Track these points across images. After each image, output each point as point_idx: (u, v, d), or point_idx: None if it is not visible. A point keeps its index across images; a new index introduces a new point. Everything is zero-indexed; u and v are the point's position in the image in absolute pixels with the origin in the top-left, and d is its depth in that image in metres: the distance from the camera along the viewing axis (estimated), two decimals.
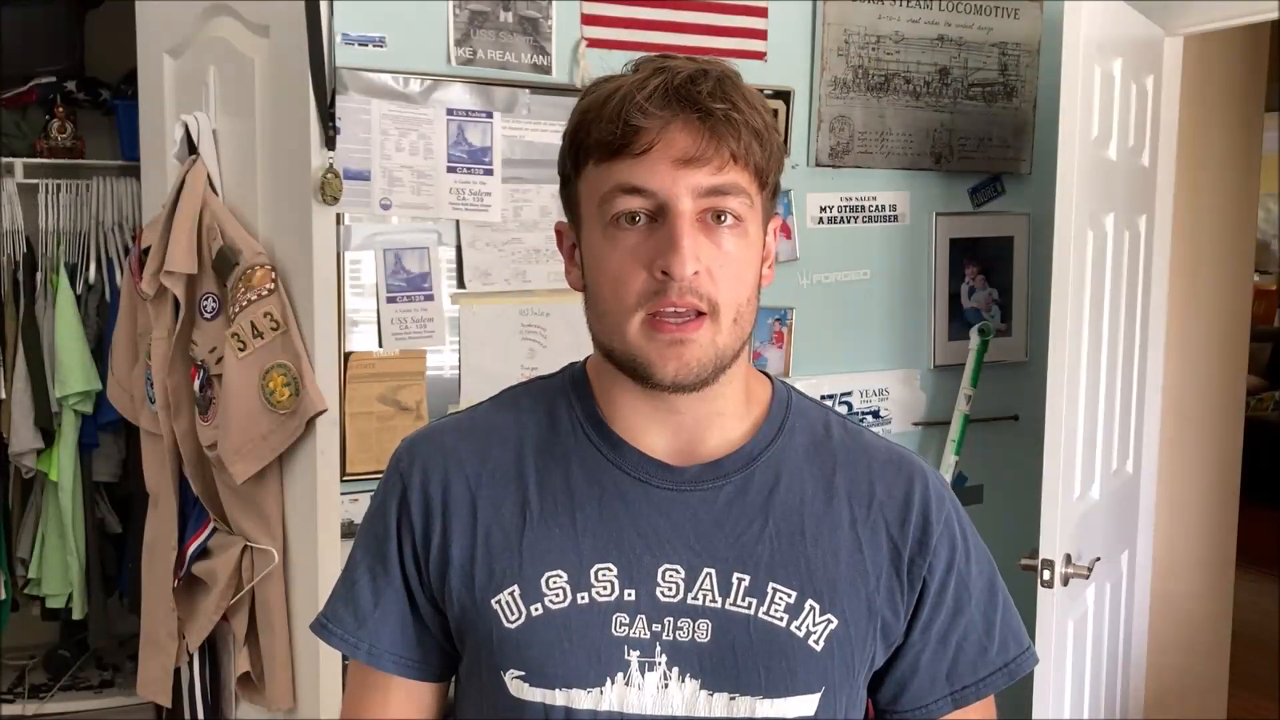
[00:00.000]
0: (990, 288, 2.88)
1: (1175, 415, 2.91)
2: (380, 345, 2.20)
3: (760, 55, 2.51)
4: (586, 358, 1.11)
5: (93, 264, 3.59)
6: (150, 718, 3.27)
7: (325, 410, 2.13)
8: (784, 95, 2.54)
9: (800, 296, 2.61)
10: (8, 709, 3.59)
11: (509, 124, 2.28)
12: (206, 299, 2.31)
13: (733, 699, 1.01)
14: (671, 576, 1.02)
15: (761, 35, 2.51)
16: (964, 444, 2.75)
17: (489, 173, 2.26)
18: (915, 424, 2.80)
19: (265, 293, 2.18)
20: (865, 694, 1.10)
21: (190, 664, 2.51)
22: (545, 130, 2.29)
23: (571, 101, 1.05)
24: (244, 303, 2.17)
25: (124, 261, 3.49)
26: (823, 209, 2.63)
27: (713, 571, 1.02)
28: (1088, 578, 2.28)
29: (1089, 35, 2.18)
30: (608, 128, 0.97)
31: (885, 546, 1.06)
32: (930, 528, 1.07)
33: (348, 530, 2.16)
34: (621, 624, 1.01)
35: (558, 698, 1.01)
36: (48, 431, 3.50)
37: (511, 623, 1.02)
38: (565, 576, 1.02)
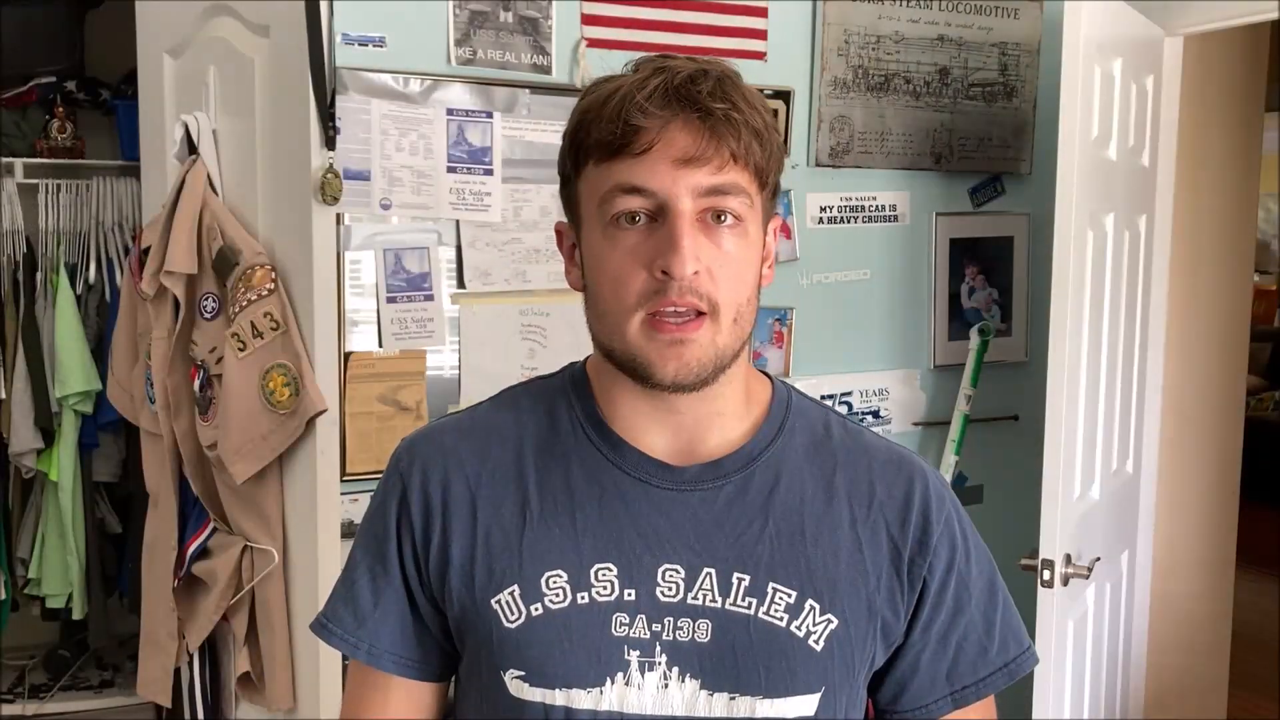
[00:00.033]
0: (990, 288, 2.88)
1: (1175, 415, 2.91)
2: (380, 345, 2.20)
3: (760, 55, 2.51)
4: (586, 358, 1.11)
5: (93, 264, 3.59)
6: (150, 718, 3.27)
7: (325, 410, 2.13)
8: (784, 95, 2.54)
9: (800, 296, 2.61)
10: (8, 709, 3.59)
11: (509, 124, 2.28)
12: (206, 299, 2.31)
13: (733, 699, 1.01)
14: (671, 576, 1.02)
15: (761, 35, 2.51)
16: (964, 444, 2.75)
17: (489, 173, 2.26)
18: (915, 424, 2.80)
19: (265, 293, 2.18)
20: (865, 694, 1.10)
21: (190, 664, 2.51)
22: (545, 130, 2.29)
23: (571, 101, 1.05)
24: (244, 303, 2.17)
25: (124, 261, 3.49)
26: (823, 209, 2.63)
27: (713, 571, 1.02)
28: (1088, 578, 2.28)
29: (1089, 35, 2.18)
30: (608, 127, 0.97)
31: (885, 546, 1.06)
32: (930, 528, 1.07)
33: (348, 530, 2.16)
34: (621, 624, 1.01)
35: (557, 698, 1.01)
36: (48, 431, 3.50)
37: (511, 623, 1.02)
38: (565, 576, 1.02)
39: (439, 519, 1.06)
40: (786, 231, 2.57)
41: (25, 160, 3.63)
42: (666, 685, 1.01)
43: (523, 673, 1.02)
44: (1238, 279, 3.10)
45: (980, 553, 1.12)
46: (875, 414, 2.73)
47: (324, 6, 2.09)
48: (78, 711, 3.63)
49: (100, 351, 3.44)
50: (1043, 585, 2.21)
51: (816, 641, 1.02)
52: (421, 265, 2.23)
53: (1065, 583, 2.22)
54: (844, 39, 2.60)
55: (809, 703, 1.02)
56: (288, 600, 2.27)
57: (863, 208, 2.68)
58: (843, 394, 2.69)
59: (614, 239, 0.98)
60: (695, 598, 1.02)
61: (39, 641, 3.89)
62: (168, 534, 2.47)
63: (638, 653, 1.01)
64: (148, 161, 2.82)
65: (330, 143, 2.10)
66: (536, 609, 1.02)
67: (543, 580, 1.02)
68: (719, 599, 1.02)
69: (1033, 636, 1.29)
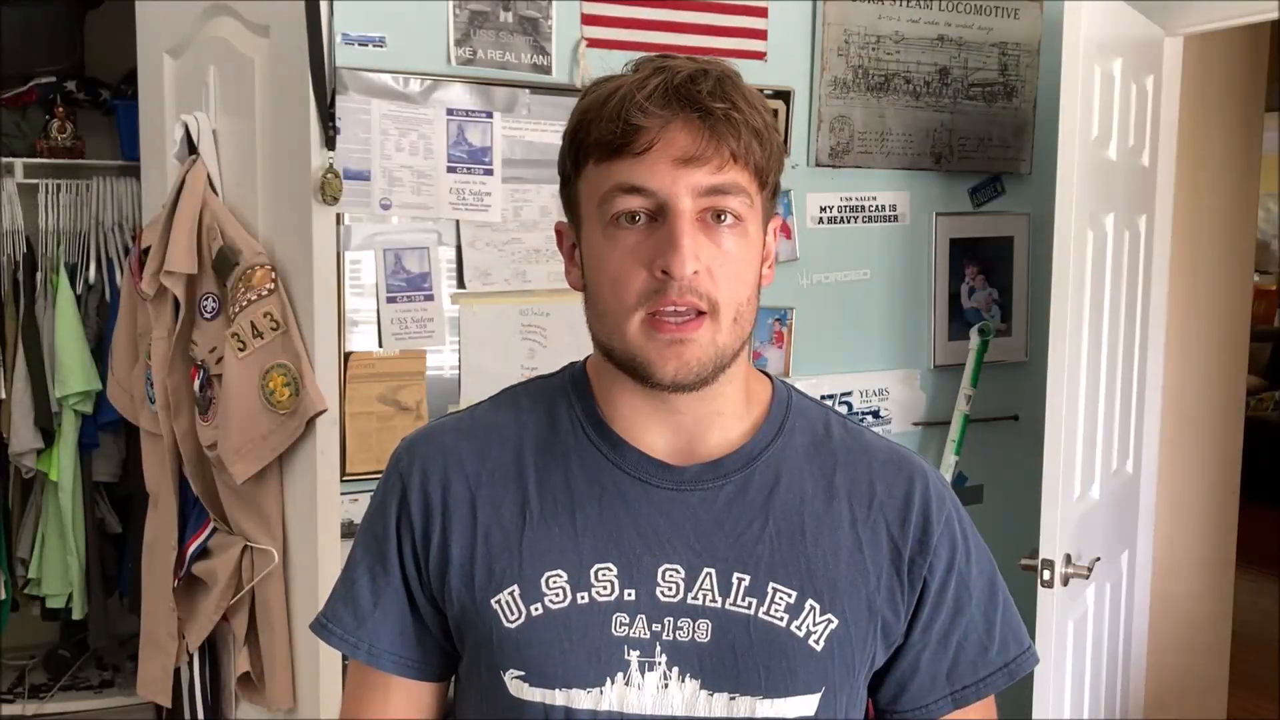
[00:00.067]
0: (990, 288, 2.88)
1: (1175, 415, 2.91)
2: (380, 345, 2.20)
3: (760, 55, 2.51)
4: (586, 357, 1.11)
5: (93, 264, 3.59)
6: (150, 718, 3.27)
7: (325, 410, 2.13)
8: (784, 95, 2.54)
9: (800, 296, 2.61)
10: (8, 709, 3.59)
11: (509, 124, 2.28)
12: (206, 299, 2.31)
13: (733, 699, 1.01)
14: (671, 576, 1.02)
15: (761, 35, 2.51)
16: (964, 444, 2.75)
17: (489, 173, 2.26)
18: (915, 424, 2.80)
19: (265, 293, 2.18)
20: (865, 694, 1.10)
21: (190, 664, 2.51)
22: (545, 130, 2.29)
23: (571, 101, 1.05)
24: (244, 303, 2.17)
25: (124, 261, 3.49)
26: (823, 209, 2.63)
27: (713, 571, 1.02)
28: (1088, 578, 2.28)
29: (1089, 35, 2.18)
30: (608, 127, 0.97)
31: (885, 546, 1.06)
32: (931, 527, 1.07)
33: (348, 530, 2.16)
34: (621, 624, 1.01)
35: (557, 698, 1.01)
36: (48, 431, 3.50)
37: (511, 622, 1.02)
38: (565, 576, 1.02)
39: (439, 519, 1.06)
40: (786, 231, 2.57)
41: (25, 160, 3.63)
42: (666, 685, 1.01)
43: (522, 673, 1.02)
44: (1238, 279, 3.10)
45: (980, 552, 1.12)
46: (875, 414, 2.73)
47: (324, 6, 2.09)
48: (78, 711, 3.63)
49: (100, 351, 3.44)
50: (1043, 585, 2.21)
51: (817, 641, 1.02)
52: (421, 265, 2.23)
53: (1065, 583, 2.22)
54: (844, 39, 2.60)
55: (809, 703, 1.02)
56: (288, 600, 2.27)
57: (863, 208, 2.68)
58: (843, 394, 2.69)
59: (614, 239, 0.98)
60: (695, 598, 1.02)
61: (39, 641, 3.89)
62: (168, 534, 2.47)
63: (638, 653, 1.01)
64: (148, 161, 2.82)
65: (330, 143, 2.10)
66: (536, 609, 1.02)
67: (542, 580, 1.02)
68: (719, 599, 1.02)
69: (1033, 636, 1.29)
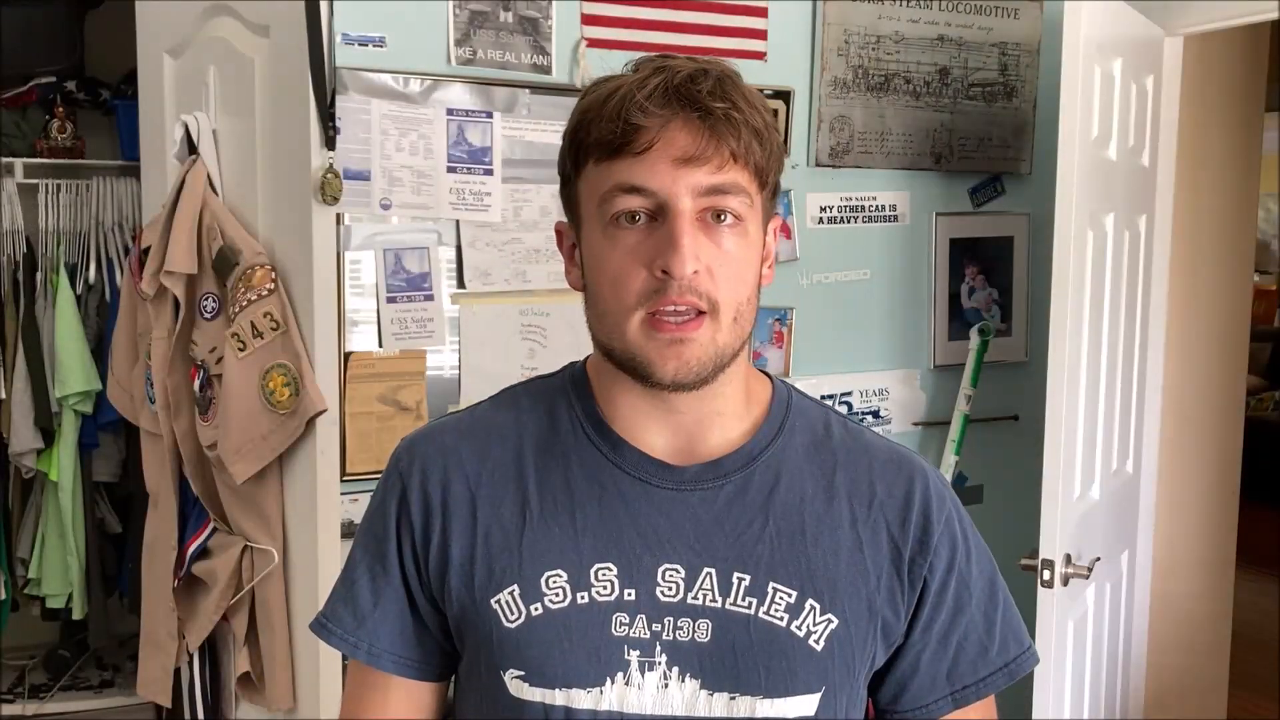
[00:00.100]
0: (990, 288, 2.88)
1: (1175, 415, 2.91)
2: (380, 345, 2.20)
3: (760, 55, 2.51)
4: (586, 357, 1.11)
5: (93, 264, 3.59)
6: (150, 718, 3.27)
7: (325, 410, 2.13)
8: (784, 95, 2.54)
9: (800, 296, 2.61)
10: (8, 709, 3.59)
11: (509, 124, 2.28)
12: (206, 299, 2.31)
13: (733, 699, 1.01)
14: (671, 576, 1.02)
15: (761, 35, 2.51)
16: (964, 444, 2.75)
17: (489, 173, 2.26)
18: (915, 424, 2.80)
19: (265, 293, 2.18)
20: (865, 694, 1.10)
21: (190, 664, 2.51)
22: (545, 130, 2.29)
23: (571, 101, 1.05)
24: (244, 303, 2.17)
25: (124, 261, 3.49)
26: (823, 209, 2.63)
27: (713, 571, 1.02)
28: (1088, 578, 2.28)
29: (1089, 35, 2.18)
30: (608, 127, 0.97)
31: (886, 546, 1.06)
32: (931, 527, 1.07)
33: (348, 530, 2.16)
34: (621, 624, 1.01)
35: (557, 697, 1.01)
36: (48, 431, 3.50)
37: (511, 622, 1.02)
38: (565, 576, 1.02)
39: (439, 518, 1.06)
40: (786, 231, 2.57)
41: (25, 160, 3.63)
42: (666, 685, 1.01)
43: (522, 673, 1.02)
44: (1238, 279, 3.10)
45: (981, 552, 1.12)
46: (875, 414, 2.73)
47: (324, 6, 2.09)
48: (78, 711, 3.63)
49: (100, 351, 3.44)
50: (1043, 585, 2.21)
51: (817, 641, 1.02)
52: (421, 265, 2.23)
53: (1065, 583, 2.22)
54: (844, 39, 2.60)
55: (809, 703, 1.02)
56: (288, 600, 2.27)
57: (863, 208, 2.68)
58: (843, 394, 2.69)
59: (614, 238, 0.98)
60: (695, 597, 1.02)
61: (39, 641, 3.89)
62: (168, 534, 2.47)
63: (638, 652, 1.01)
64: (148, 161, 2.82)
65: (330, 143, 2.10)
66: (536, 609, 1.02)
67: (542, 580, 1.02)
68: (719, 599, 1.02)
69: (1033, 636, 1.29)
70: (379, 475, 1.14)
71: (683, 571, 1.02)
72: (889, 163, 2.70)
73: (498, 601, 1.03)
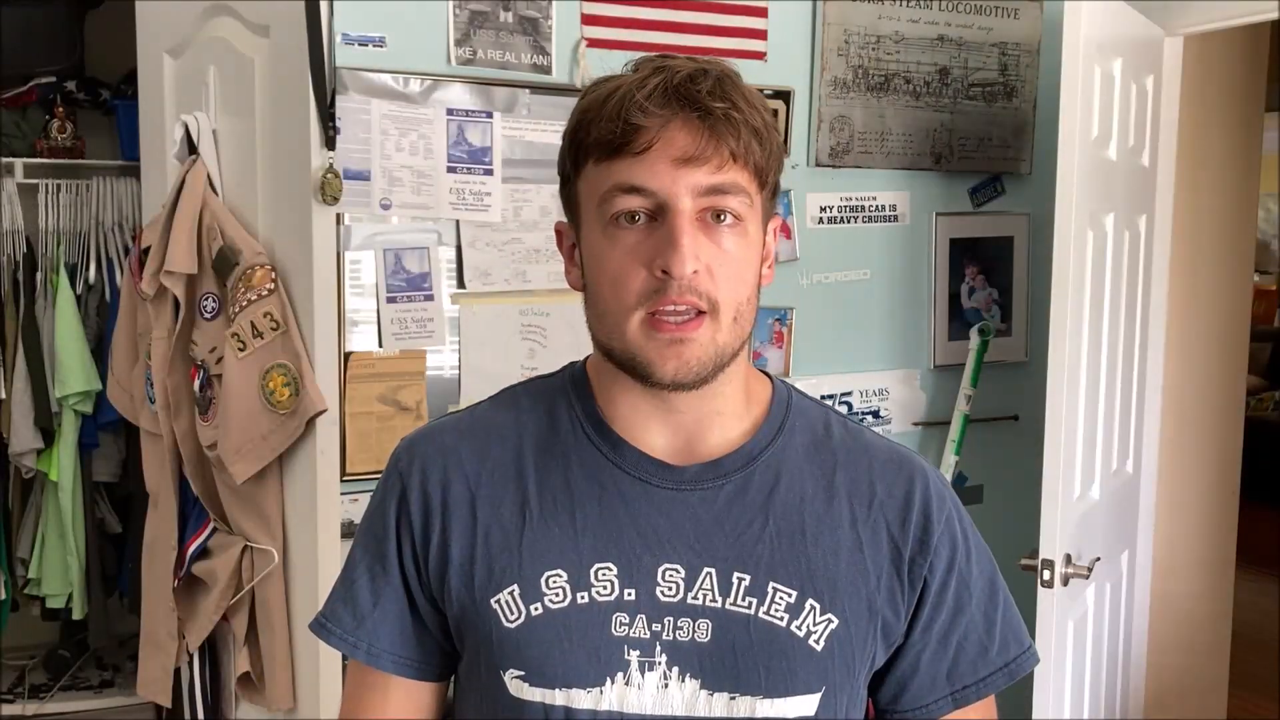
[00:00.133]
0: (990, 288, 2.88)
1: (1175, 415, 2.91)
2: (380, 345, 2.20)
3: (760, 55, 2.51)
4: (586, 357, 1.11)
5: (93, 264, 3.59)
6: (150, 718, 3.27)
7: (325, 410, 2.13)
8: (784, 95, 2.54)
9: (800, 296, 2.61)
10: (8, 709, 3.59)
11: (509, 124, 2.28)
12: (206, 299, 2.31)
13: (733, 699, 1.01)
14: (671, 576, 1.02)
15: (761, 35, 2.51)
16: (964, 444, 2.75)
17: (489, 173, 2.26)
18: (915, 424, 2.80)
19: (265, 293, 2.18)
20: (865, 694, 1.10)
21: (190, 664, 2.51)
22: (545, 130, 2.29)
23: (571, 101, 1.05)
24: (244, 303, 2.17)
25: (124, 261, 3.49)
26: (823, 209, 2.63)
27: (713, 571, 1.02)
28: (1088, 578, 2.28)
29: (1089, 35, 2.18)
30: (607, 127, 0.97)
31: (886, 546, 1.06)
32: (931, 527, 1.07)
33: (348, 530, 2.16)
34: (621, 624, 1.01)
35: (557, 697, 1.01)
36: (48, 431, 3.50)
37: (511, 622, 1.02)
38: (565, 576, 1.02)
39: (438, 518, 1.06)
40: (786, 231, 2.57)
41: (25, 160, 3.63)
42: (666, 685, 1.01)
43: (522, 673, 1.02)
44: (1238, 279, 3.10)
45: (981, 552, 1.12)
46: (875, 414, 2.73)
47: (324, 6, 2.09)
48: (78, 711, 3.63)
49: (100, 351, 3.44)
50: (1043, 585, 2.21)
51: (817, 641, 1.02)
52: (421, 265, 2.23)
53: (1065, 583, 2.22)
54: (844, 39, 2.60)
55: (809, 703, 1.02)
56: (288, 600, 2.27)
57: (863, 208, 2.68)
58: (843, 394, 2.69)
59: (614, 238, 0.98)
60: (695, 597, 1.02)
61: (39, 641, 3.89)
62: (168, 534, 2.47)
63: (638, 652, 1.01)
64: (148, 161, 2.82)
65: (330, 143, 2.10)
66: (536, 609, 1.02)
67: (542, 580, 1.02)
68: (719, 599, 1.02)
69: (1033, 636, 1.29)
70: (379, 475, 1.14)
71: (683, 571, 1.02)
72: (889, 163, 2.70)
73: (497, 601, 1.03)
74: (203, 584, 2.41)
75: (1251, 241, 3.16)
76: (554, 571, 1.02)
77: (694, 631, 1.01)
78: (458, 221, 2.25)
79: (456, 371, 2.27)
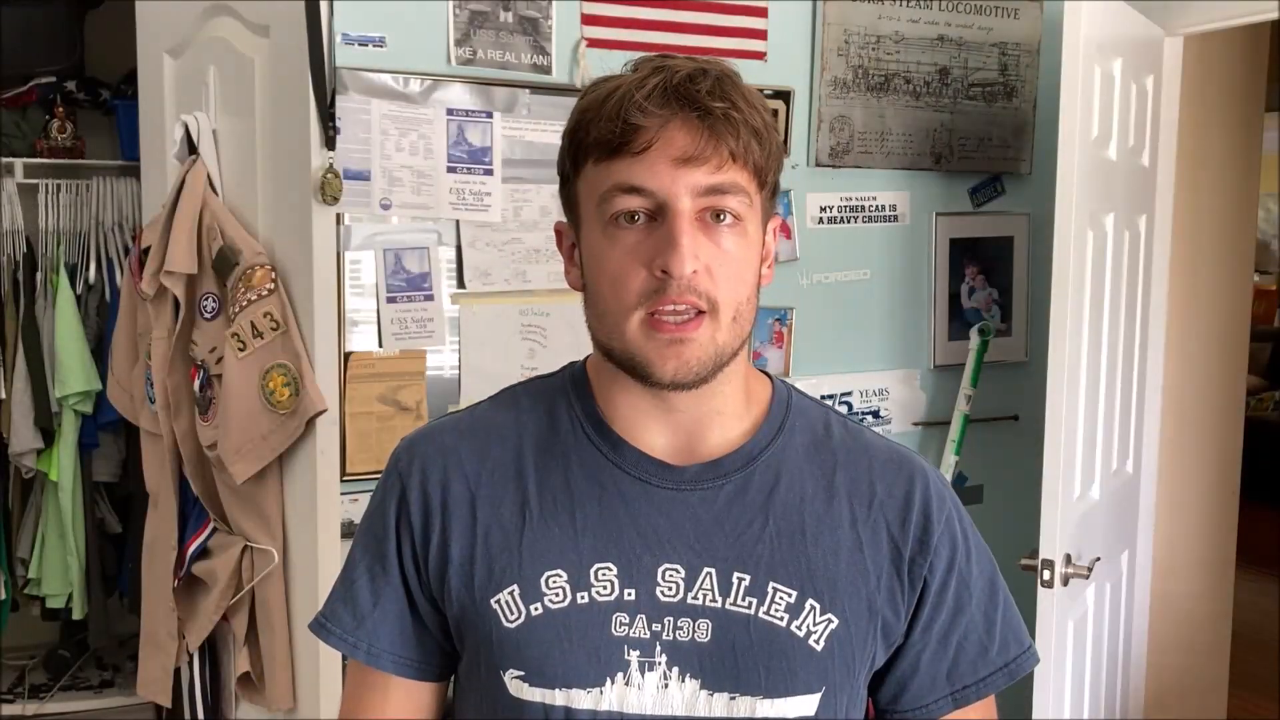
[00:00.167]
0: (990, 288, 2.88)
1: (1175, 415, 2.91)
2: (380, 345, 2.20)
3: (760, 55, 2.51)
4: (586, 357, 1.11)
5: (93, 264, 3.59)
6: (150, 718, 3.27)
7: (325, 410, 2.13)
8: (784, 95, 2.54)
9: (800, 296, 2.61)
10: (8, 709, 3.59)
11: (509, 124, 2.28)
12: (206, 299, 2.31)
13: (733, 699, 1.01)
14: (671, 576, 1.02)
15: (761, 35, 2.51)
16: (964, 444, 2.75)
17: (489, 173, 2.26)
18: (915, 424, 2.80)
19: (265, 293, 2.17)
20: (866, 694, 1.10)
21: (190, 664, 2.51)
22: (545, 130, 2.29)
23: (571, 101, 1.05)
24: (244, 303, 2.17)
25: (124, 261, 3.49)
26: (823, 209, 2.63)
27: (713, 571, 1.02)
28: (1088, 578, 2.28)
29: (1089, 35, 2.18)
30: (607, 126, 0.97)
31: (886, 546, 1.06)
32: (931, 527, 1.07)
33: (348, 530, 2.16)
34: (621, 624, 1.01)
35: (557, 698, 1.01)
36: (48, 431, 3.50)
37: (511, 622, 1.02)
38: (565, 576, 1.02)
39: (438, 518, 1.06)
40: (786, 231, 2.57)
41: (25, 160, 3.63)
42: (666, 685, 1.01)
43: (522, 673, 1.02)
44: (1238, 279, 3.10)
45: (981, 552, 1.12)
46: (875, 414, 2.73)
47: (324, 6, 2.09)
48: (78, 711, 3.63)
49: (100, 351, 3.44)
50: (1043, 585, 2.21)
51: (817, 641, 1.02)
52: (421, 265, 2.23)
53: (1065, 583, 2.22)
54: (844, 39, 2.60)
55: (809, 703, 1.02)
56: (288, 600, 2.27)
57: (863, 208, 2.68)
58: (843, 394, 2.69)
59: (613, 238, 0.98)
60: (695, 597, 1.01)
61: (39, 641, 3.89)
62: (168, 534, 2.47)
63: (638, 653, 1.01)
64: (148, 161, 2.82)
65: (330, 143, 2.10)
66: (536, 609, 1.02)
67: (542, 580, 1.02)
68: (719, 599, 1.02)
69: (1033, 636, 1.29)
70: (379, 475, 1.14)
71: (683, 571, 1.02)
72: (889, 163, 2.70)
73: (497, 601, 1.03)
74: (203, 584, 2.41)
75: (1251, 241, 3.16)
76: (554, 571, 1.02)
77: (694, 631, 1.01)
78: (458, 221, 2.25)
79: (456, 371, 2.27)
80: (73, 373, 3.43)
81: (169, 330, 2.38)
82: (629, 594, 1.01)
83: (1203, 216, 2.92)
